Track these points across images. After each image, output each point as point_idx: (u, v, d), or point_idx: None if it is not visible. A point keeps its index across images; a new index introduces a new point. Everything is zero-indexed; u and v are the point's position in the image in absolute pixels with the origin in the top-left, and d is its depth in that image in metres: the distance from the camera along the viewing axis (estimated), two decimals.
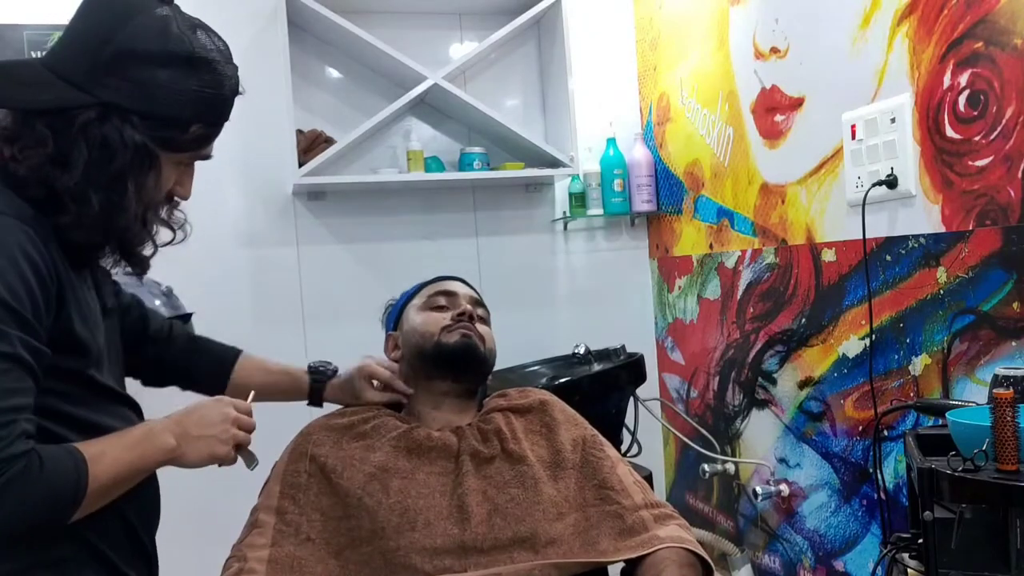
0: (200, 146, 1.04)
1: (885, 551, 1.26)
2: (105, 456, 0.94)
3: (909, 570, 1.23)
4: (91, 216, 0.94)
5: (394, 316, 1.47)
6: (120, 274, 1.13)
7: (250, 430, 1.11)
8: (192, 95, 0.98)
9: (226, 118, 1.06)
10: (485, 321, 1.43)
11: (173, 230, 1.08)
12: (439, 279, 1.47)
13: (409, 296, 1.46)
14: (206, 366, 1.34)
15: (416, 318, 1.39)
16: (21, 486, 0.85)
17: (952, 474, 1.00)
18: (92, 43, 0.94)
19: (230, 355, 1.36)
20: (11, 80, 0.95)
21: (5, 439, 0.84)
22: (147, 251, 1.04)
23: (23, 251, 0.89)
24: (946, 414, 1.11)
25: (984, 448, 0.99)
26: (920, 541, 1.13)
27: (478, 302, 1.44)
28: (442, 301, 1.41)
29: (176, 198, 1.07)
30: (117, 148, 0.94)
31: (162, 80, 0.95)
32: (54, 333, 0.93)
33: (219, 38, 1.02)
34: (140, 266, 1.05)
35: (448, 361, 1.33)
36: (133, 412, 1.11)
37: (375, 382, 1.39)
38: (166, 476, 1.60)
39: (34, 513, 0.88)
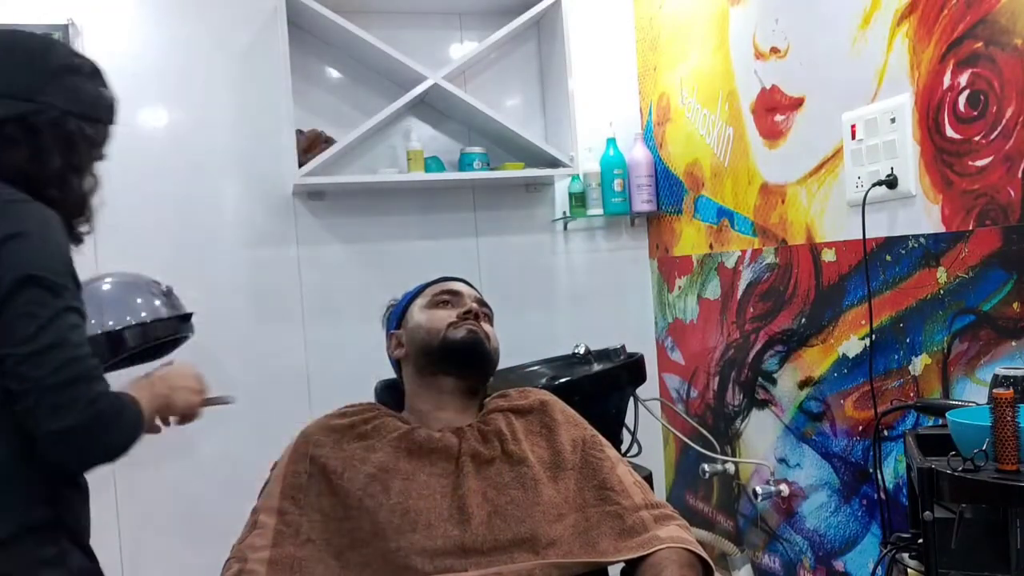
0: (105, 143, 1.23)
1: (885, 551, 1.26)
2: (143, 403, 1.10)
3: (909, 570, 1.24)
4: (74, 194, 1.15)
5: (396, 315, 1.47)
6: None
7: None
8: (104, 98, 1.21)
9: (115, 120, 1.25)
10: (489, 320, 1.43)
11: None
12: (442, 279, 1.47)
13: (412, 296, 1.46)
14: None
15: (421, 316, 1.39)
16: (125, 418, 1.05)
17: (952, 474, 1.00)
18: (27, 63, 1.13)
19: None
20: None
21: (103, 382, 1.02)
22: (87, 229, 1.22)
23: (62, 231, 1.08)
24: (946, 414, 1.11)
25: (984, 448, 0.99)
26: (920, 541, 1.13)
27: (482, 302, 1.45)
28: (447, 299, 1.41)
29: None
30: (78, 139, 1.15)
31: (87, 87, 1.18)
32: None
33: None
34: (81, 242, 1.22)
35: (454, 356, 1.33)
36: None
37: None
38: (166, 476, 1.60)
39: (129, 442, 1.05)
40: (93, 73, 1.20)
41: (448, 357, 1.33)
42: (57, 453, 1.00)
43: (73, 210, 1.15)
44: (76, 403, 0.97)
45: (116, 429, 1.03)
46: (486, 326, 1.39)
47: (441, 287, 1.44)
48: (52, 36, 1.21)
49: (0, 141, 1.09)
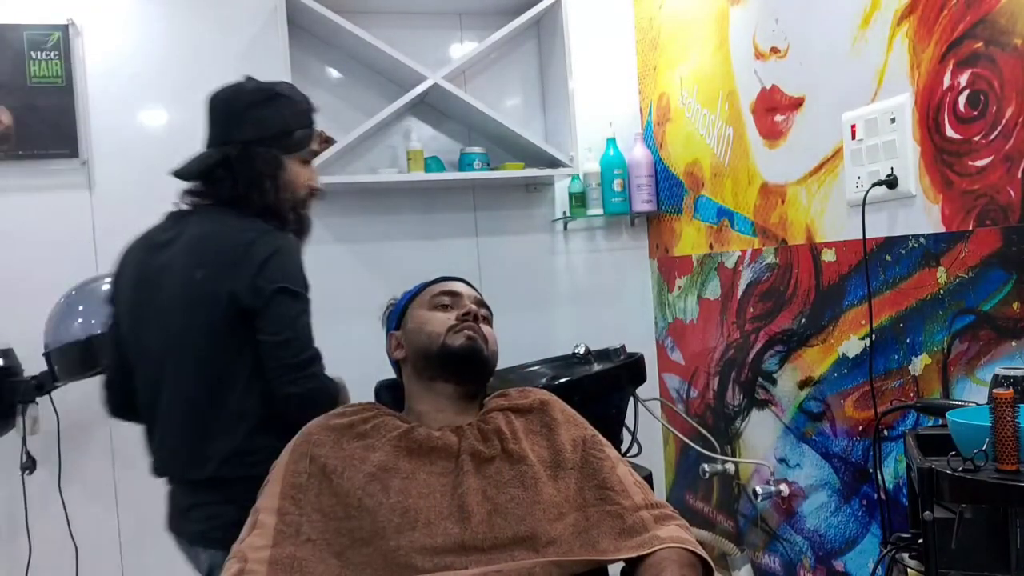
0: (307, 144, 1.53)
1: (885, 551, 1.26)
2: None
3: (909, 570, 1.23)
4: (274, 210, 1.48)
5: (396, 315, 1.47)
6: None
7: None
8: (283, 116, 1.50)
9: (313, 121, 1.55)
10: (488, 321, 1.42)
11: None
12: (442, 279, 1.47)
13: (412, 295, 1.46)
14: None
15: (420, 317, 1.39)
16: (330, 393, 1.46)
17: (952, 474, 1.00)
18: (221, 113, 1.49)
19: None
20: (193, 162, 1.49)
21: (322, 365, 1.44)
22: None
23: (299, 248, 1.48)
24: (946, 414, 1.11)
25: (984, 448, 0.99)
26: (920, 541, 1.13)
27: (482, 302, 1.44)
28: (446, 301, 1.41)
29: (315, 189, 1.57)
30: (260, 163, 1.46)
31: (267, 113, 1.48)
32: None
33: (283, 83, 1.56)
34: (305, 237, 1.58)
35: (452, 364, 1.33)
36: None
37: None
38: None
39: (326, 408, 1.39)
40: (273, 97, 1.49)
41: (446, 365, 1.33)
42: (286, 407, 1.40)
43: (280, 221, 1.48)
44: (306, 379, 1.40)
45: (323, 399, 1.42)
46: (485, 328, 1.38)
47: (440, 287, 1.44)
48: (244, 79, 1.52)
49: (214, 182, 1.46)
